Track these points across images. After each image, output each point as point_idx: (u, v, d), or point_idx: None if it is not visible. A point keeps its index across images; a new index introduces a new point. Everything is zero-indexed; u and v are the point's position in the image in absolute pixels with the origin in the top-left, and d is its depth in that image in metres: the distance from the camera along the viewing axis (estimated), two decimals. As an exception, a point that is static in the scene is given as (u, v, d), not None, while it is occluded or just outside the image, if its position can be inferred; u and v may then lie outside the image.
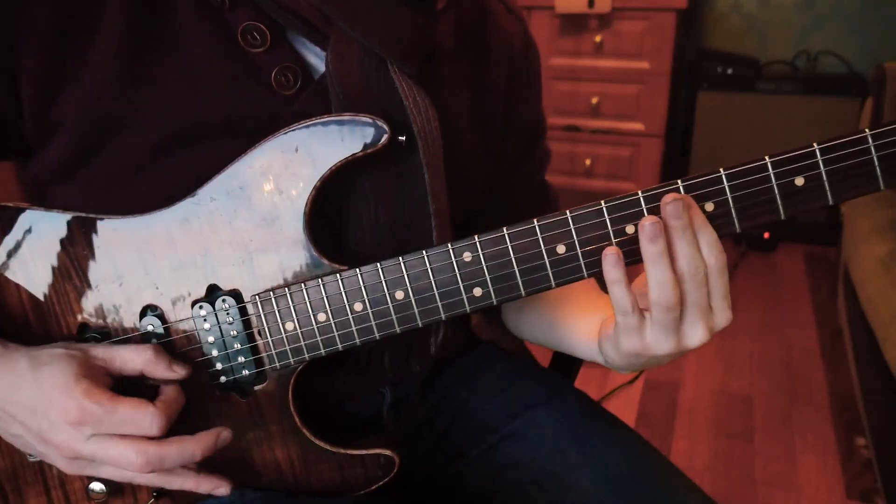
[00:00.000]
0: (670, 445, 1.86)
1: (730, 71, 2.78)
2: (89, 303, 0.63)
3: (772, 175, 0.55)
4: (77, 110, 0.60)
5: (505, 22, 0.77)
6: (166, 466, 0.58)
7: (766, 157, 0.55)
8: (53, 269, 0.63)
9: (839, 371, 2.10)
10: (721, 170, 0.55)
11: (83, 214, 0.62)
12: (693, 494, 0.72)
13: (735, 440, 1.87)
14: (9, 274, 0.63)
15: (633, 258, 0.57)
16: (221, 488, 0.63)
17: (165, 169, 0.62)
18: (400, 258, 0.60)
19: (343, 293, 0.61)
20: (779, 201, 0.55)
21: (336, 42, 0.62)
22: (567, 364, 0.98)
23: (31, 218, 0.62)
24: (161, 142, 0.61)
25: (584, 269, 0.58)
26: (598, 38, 2.74)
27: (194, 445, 0.59)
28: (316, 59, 0.65)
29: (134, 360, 0.60)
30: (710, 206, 0.56)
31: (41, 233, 0.62)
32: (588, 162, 2.93)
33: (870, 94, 2.00)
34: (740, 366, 2.18)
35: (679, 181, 0.56)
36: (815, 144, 0.54)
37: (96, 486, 0.65)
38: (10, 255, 0.63)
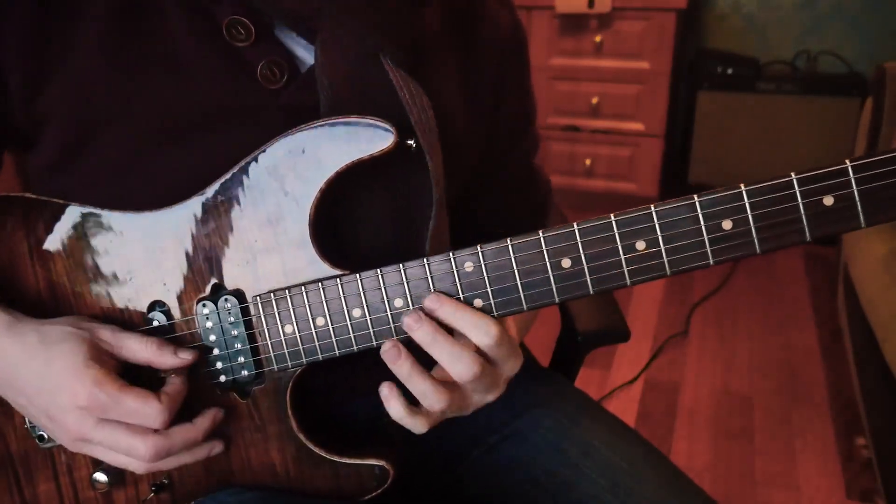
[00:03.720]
0: (670, 445, 1.86)
1: (730, 71, 2.78)
2: (100, 295, 0.64)
3: (798, 193, 0.51)
4: (64, 102, 0.60)
5: (492, 6, 0.77)
6: (172, 454, 0.60)
7: (792, 174, 0.51)
8: (68, 259, 0.63)
9: (839, 371, 2.10)
10: (742, 185, 0.52)
11: (98, 210, 0.63)
12: (693, 494, 0.72)
13: (735, 440, 1.87)
14: (28, 260, 0.64)
15: (639, 276, 0.55)
16: (216, 448, 0.64)
17: (157, 162, 0.62)
18: (400, 265, 0.59)
19: (342, 298, 0.60)
20: (804, 222, 0.51)
21: (325, 35, 0.61)
22: (567, 364, 0.98)
23: (49, 209, 0.63)
24: (149, 135, 0.61)
25: (590, 285, 0.56)
26: (598, 38, 2.74)
27: (195, 432, 0.61)
28: (304, 52, 0.65)
29: (141, 351, 0.61)
30: (727, 224, 0.53)
31: (58, 224, 0.63)
32: (588, 162, 2.93)
33: (870, 94, 2.00)
34: (740, 366, 2.17)
35: (695, 196, 0.53)
36: (847, 161, 0.50)
37: (100, 477, 0.65)
38: (33, 242, 0.64)
